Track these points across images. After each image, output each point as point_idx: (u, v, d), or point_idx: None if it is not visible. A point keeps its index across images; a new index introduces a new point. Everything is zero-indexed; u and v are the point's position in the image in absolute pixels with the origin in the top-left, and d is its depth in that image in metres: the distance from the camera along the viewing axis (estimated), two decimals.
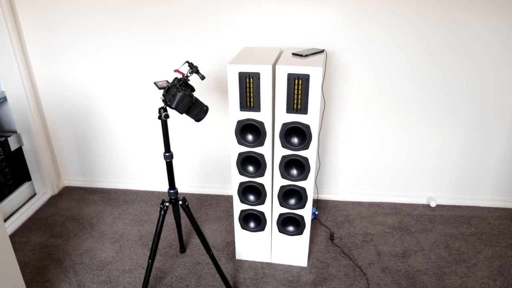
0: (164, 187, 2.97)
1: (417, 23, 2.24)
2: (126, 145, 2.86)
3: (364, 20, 2.25)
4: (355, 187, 2.76)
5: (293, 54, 1.93)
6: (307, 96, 1.77)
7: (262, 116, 1.85)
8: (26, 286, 2.12)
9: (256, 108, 1.84)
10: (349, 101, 2.49)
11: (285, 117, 1.84)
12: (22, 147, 2.84)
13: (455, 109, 2.44)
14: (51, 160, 2.94)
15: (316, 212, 2.56)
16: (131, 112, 2.74)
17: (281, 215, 2.09)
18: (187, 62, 1.66)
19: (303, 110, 1.80)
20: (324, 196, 2.82)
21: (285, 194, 2.04)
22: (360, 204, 2.77)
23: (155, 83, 1.72)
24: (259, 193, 2.07)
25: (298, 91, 1.77)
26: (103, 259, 2.32)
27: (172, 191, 1.86)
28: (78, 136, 2.88)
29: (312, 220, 2.59)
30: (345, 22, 2.26)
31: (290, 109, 1.81)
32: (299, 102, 1.79)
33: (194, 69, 1.66)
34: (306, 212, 2.05)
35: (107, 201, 2.88)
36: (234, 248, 2.37)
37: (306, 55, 1.89)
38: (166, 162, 1.80)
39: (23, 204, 2.85)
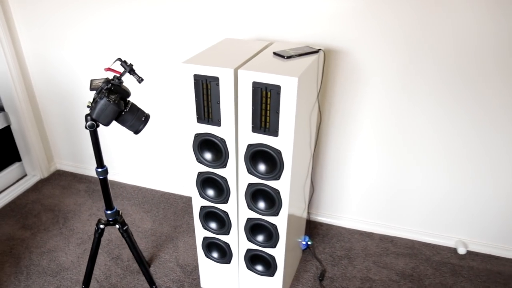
0: (153, 184, 2.68)
1: (469, 24, 1.66)
2: (119, 133, 2.59)
3: (385, 13, 1.71)
4: (366, 214, 2.27)
5: (274, 53, 1.48)
6: (277, 113, 1.33)
7: (224, 132, 1.45)
8: None
9: (216, 121, 1.44)
10: (359, 114, 1.98)
11: (250, 137, 1.41)
12: (11, 126, 2.68)
13: (502, 138, 1.84)
14: (41, 142, 2.76)
15: (309, 242, 2.13)
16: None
17: (249, 250, 1.70)
18: (119, 60, 1.29)
19: (273, 131, 1.37)
20: (327, 219, 2.36)
21: (253, 228, 1.63)
22: (370, 235, 2.28)
23: (91, 81, 1.37)
24: (222, 221, 1.68)
25: (266, 106, 1.33)
26: (61, 263, 2.09)
27: (108, 211, 1.54)
28: (70, 118, 2.66)
29: (303, 250, 2.16)
30: (360, 13, 1.74)
31: (257, 127, 1.39)
32: (267, 120, 1.36)
33: (127, 68, 1.29)
34: (279, 253, 1.64)
35: (91, 193, 2.66)
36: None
37: (289, 56, 1.43)
38: (100, 179, 1.47)
39: (12, 184, 2.72)
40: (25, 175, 2.84)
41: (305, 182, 1.79)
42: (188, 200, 2.59)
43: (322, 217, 2.37)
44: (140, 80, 1.31)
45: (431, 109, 1.87)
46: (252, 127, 1.39)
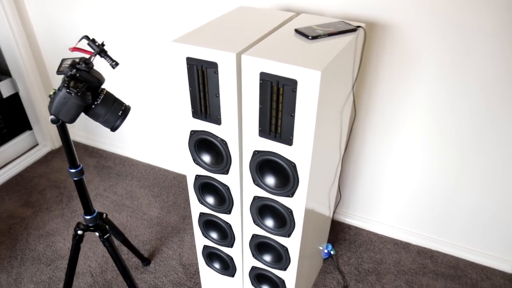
0: (167, 164, 2.44)
1: None
2: (133, 102, 2.33)
3: None
4: (404, 220, 1.92)
5: (296, 31, 1.11)
6: (292, 116, 0.99)
7: (225, 132, 1.13)
8: None
9: (215, 118, 1.12)
10: (405, 107, 1.59)
11: (257, 141, 1.09)
12: (19, 93, 2.49)
13: None
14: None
15: (332, 252, 1.82)
16: (143, 67, 2.17)
17: (254, 268, 1.42)
18: (86, 38, 0.98)
19: (286, 138, 1.03)
20: (357, 222, 2.03)
21: (259, 246, 1.34)
22: (405, 247, 1.94)
23: (62, 61, 1.08)
24: (224, 233, 1.40)
25: (277, 106, 1.00)
26: (57, 250, 1.92)
27: (87, 216, 1.29)
28: None
29: (325, 260, 1.87)
30: None
31: (265, 132, 1.06)
32: (278, 124, 1.02)
33: (95, 49, 0.98)
34: (289, 277, 1.35)
35: (100, 169, 2.46)
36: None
37: (315, 36, 1.06)
38: (74, 181, 1.21)
39: (24, 153, 2.57)
40: (37, 144, 2.68)
41: (330, 189, 1.46)
42: None
43: (352, 219, 2.04)
44: (114, 64, 1.00)
45: (498, 111, 1.45)
46: (259, 131, 1.06)
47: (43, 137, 2.62)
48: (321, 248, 1.73)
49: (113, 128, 1.07)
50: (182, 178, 2.39)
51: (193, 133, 1.19)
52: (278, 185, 1.14)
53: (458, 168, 1.65)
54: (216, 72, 1.03)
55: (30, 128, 2.64)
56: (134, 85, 2.21)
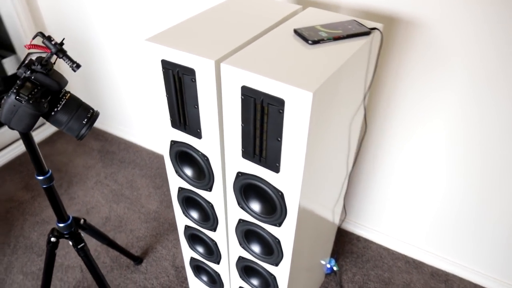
0: None
1: None
2: (136, 86, 2.21)
3: None
4: (419, 236, 1.73)
5: (296, 32, 0.92)
6: (280, 140, 0.82)
7: (206, 146, 0.97)
8: None
9: (194, 131, 0.96)
10: (428, 116, 1.37)
11: (241, 163, 0.93)
12: None
13: None
14: None
15: (335, 268, 1.66)
16: (133, 40, 2.02)
17: None
18: (41, 35, 0.83)
19: (271, 164, 0.87)
20: (367, 233, 1.86)
21: (246, 270, 1.20)
22: (418, 266, 1.76)
23: (27, 54, 0.94)
24: (210, 250, 1.27)
25: (262, 126, 0.83)
26: None
27: (61, 224, 1.18)
28: (88, 68, 2.31)
29: (327, 275, 1.72)
30: None
31: (248, 154, 0.89)
32: (264, 147, 0.86)
33: (52, 49, 0.83)
34: None
35: (104, 154, 2.37)
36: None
37: (316, 41, 0.87)
38: (44, 189, 1.10)
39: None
40: (43, 124, 2.62)
41: (333, 207, 1.29)
42: None
43: (361, 230, 1.87)
44: (74, 66, 0.85)
45: None
46: (243, 152, 0.90)
47: None
48: (323, 262, 1.57)
49: (79, 137, 0.93)
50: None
51: (173, 143, 1.04)
52: (264, 212, 0.98)
53: (484, 187, 1.44)
54: (193, 80, 0.86)
55: None
56: (141, 69, 2.07)
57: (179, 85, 0.90)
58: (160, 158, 2.35)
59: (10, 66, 2.32)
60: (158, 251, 1.82)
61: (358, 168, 1.67)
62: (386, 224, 1.79)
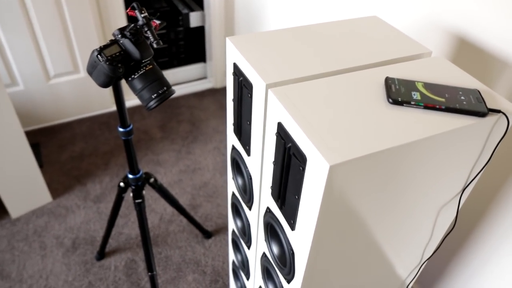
0: None
1: None
2: None
3: None
4: None
5: (386, 80, 0.73)
6: (297, 198, 0.69)
7: (252, 165, 0.90)
8: None
9: (245, 146, 0.90)
10: None
11: (270, 200, 0.83)
12: (205, 27, 2.66)
13: None
14: (224, 51, 2.67)
15: None
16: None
17: None
18: (135, 4, 0.86)
19: (289, 217, 0.74)
20: None
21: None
22: None
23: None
24: (246, 268, 1.21)
25: (287, 175, 0.71)
26: (72, 226, 1.89)
27: (130, 176, 1.29)
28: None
29: None
30: None
31: (274, 195, 0.78)
32: (284, 195, 0.74)
33: (140, 20, 0.85)
34: None
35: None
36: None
37: (399, 101, 0.68)
38: (123, 140, 1.20)
39: (190, 81, 2.83)
40: (204, 77, 2.89)
41: None
42: None
43: None
44: (155, 42, 0.87)
45: None
46: (271, 191, 0.79)
47: (211, 73, 2.78)
48: None
49: (147, 107, 0.97)
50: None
51: (233, 148, 1.00)
52: (279, 260, 0.86)
53: None
54: (250, 96, 0.79)
55: (204, 61, 2.84)
56: None
57: (241, 95, 0.83)
58: None
59: (195, 20, 2.59)
60: (229, 235, 1.85)
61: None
62: None
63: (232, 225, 1.24)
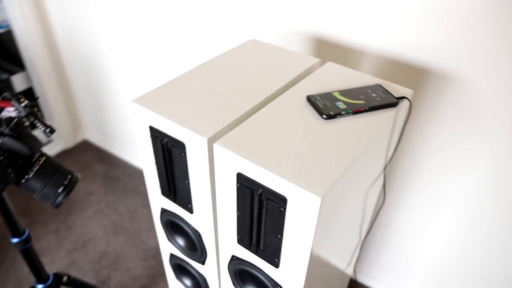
0: None
1: None
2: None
3: None
4: None
5: (309, 100, 0.78)
6: (280, 238, 0.68)
7: (198, 221, 0.84)
8: None
9: (185, 205, 0.84)
10: (461, 188, 1.21)
11: (236, 248, 0.80)
12: (33, 88, 2.33)
13: None
14: (66, 108, 2.40)
15: None
16: (155, 71, 1.92)
17: None
18: (7, 94, 0.72)
19: (270, 258, 0.73)
20: (379, 285, 1.70)
21: None
22: None
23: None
24: None
25: (260, 219, 0.69)
26: None
27: (39, 286, 1.07)
28: (96, 87, 2.22)
29: None
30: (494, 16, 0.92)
31: (245, 242, 0.76)
32: (261, 240, 0.72)
33: (21, 112, 0.72)
34: None
35: (107, 179, 2.28)
36: None
37: (332, 115, 0.73)
38: (20, 251, 0.99)
39: None
40: (50, 141, 2.54)
41: (341, 277, 1.14)
42: None
43: (373, 281, 1.71)
44: (48, 131, 0.74)
45: None
46: (238, 239, 0.76)
47: (57, 134, 2.47)
48: None
49: (55, 205, 0.82)
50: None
51: (163, 211, 0.92)
52: None
53: (504, 250, 1.27)
54: (183, 155, 0.74)
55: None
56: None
57: (169, 156, 0.77)
58: None
59: (20, 82, 2.26)
60: None
61: (372, 234, 1.51)
62: (399, 279, 1.62)
63: (175, 286, 1.14)
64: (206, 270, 0.95)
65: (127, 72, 1.93)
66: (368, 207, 0.98)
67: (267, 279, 0.78)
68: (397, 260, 1.56)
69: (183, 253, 0.97)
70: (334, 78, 0.87)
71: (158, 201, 0.91)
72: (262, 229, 0.69)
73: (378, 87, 0.81)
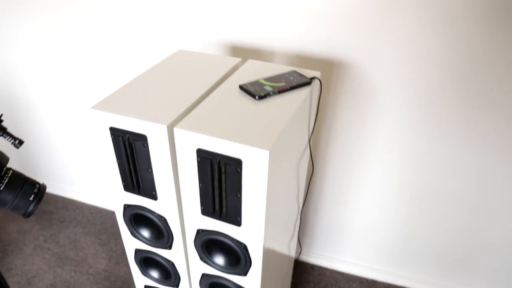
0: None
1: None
2: (72, 142, 2.10)
3: (404, 15, 1.18)
4: (369, 257, 1.82)
5: (241, 88, 0.96)
6: (239, 196, 0.84)
7: (162, 207, 0.96)
8: None
9: (149, 193, 0.95)
10: (367, 145, 1.48)
11: (201, 220, 0.93)
12: None
13: None
14: None
15: None
16: (73, 101, 1.94)
17: None
18: None
19: (232, 218, 0.88)
20: (320, 261, 1.92)
21: None
22: (372, 284, 1.84)
23: None
24: None
25: (220, 185, 0.84)
26: None
27: None
28: (18, 125, 2.16)
29: None
30: (374, 13, 1.20)
31: (208, 211, 0.90)
32: (223, 204, 0.87)
33: None
34: None
35: (41, 215, 2.21)
36: None
37: (262, 96, 0.92)
38: None
39: None
40: None
41: (289, 243, 1.33)
42: None
43: (315, 258, 1.93)
44: (17, 144, 0.82)
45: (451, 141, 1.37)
46: (202, 210, 0.90)
47: None
48: None
49: (26, 214, 0.88)
50: None
51: (126, 207, 1.02)
52: (228, 264, 0.99)
53: (417, 207, 1.57)
54: (145, 145, 0.86)
55: None
56: (78, 124, 1.99)
57: (130, 150, 0.89)
58: (103, 212, 2.24)
59: None
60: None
61: (308, 204, 1.73)
62: (336, 250, 1.86)
63: (142, 281, 1.23)
64: (173, 254, 1.06)
65: (52, 102, 1.94)
66: (301, 175, 1.18)
67: (232, 241, 0.92)
68: (332, 231, 1.79)
69: (149, 244, 1.07)
70: (257, 70, 1.06)
71: (120, 199, 1.01)
72: (223, 193, 0.85)
73: (293, 72, 1.02)
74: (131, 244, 1.11)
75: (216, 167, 0.81)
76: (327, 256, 1.90)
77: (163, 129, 0.82)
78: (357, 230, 1.76)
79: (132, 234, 1.08)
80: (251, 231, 0.88)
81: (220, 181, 0.83)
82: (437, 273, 1.75)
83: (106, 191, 2.19)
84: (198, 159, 0.82)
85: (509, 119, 1.26)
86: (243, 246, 0.92)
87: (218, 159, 0.80)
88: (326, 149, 1.53)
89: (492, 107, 1.26)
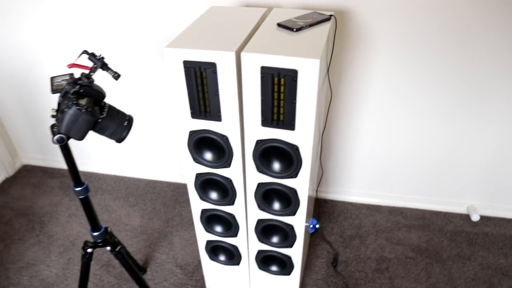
0: (136, 173, 2.42)
1: None
2: None
3: None
4: (372, 186, 2.12)
5: (280, 25, 1.20)
6: (294, 103, 1.08)
7: (225, 127, 1.20)
8: None
9: (215, 115, 1.18)
10: (370, 82, 1.76)
11: (260, 131, 1.17)
12: None
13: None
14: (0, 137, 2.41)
15: (317, 226, 1.96)
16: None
17: (260, 252, 1.51)
18: (86, 52, 0.99)
19: (288, 124, 1.13)
20: (332, 195, 2.20)
21: (265, 230, 1.43)
22: (377, 209, 2.14)
23: (51, 79, 1.07)
24: (228, 224, 1.47)
25: (279, 96, 1.08)
26: (45, 279, 1.85)
27: (95, 233, 1.29)
28: (31, 107, 2.30)
29: (312, 234, 2.01)
30: None
31: (268, 121, 1.14)
32: (281, 112, 1.11)
33: (97, 63, 0.99)
34: (295, 253, 1.46)
35: (67, 189, 2.37)
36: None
37: (298, 28, 1.16)
38: (80, 199, 1.21)
39: None
40: None
41: (317, 166, 1.58)
42: (177, 187, 2.36)
43: (327, 194, 2.21)
44: (116, 76, 1.02)
45: (440, 69, 1.67)
46: (262, 121, 1.14)
47: None
48: (307, 224, 1.86)
49: (120, 140, 1.08)
50: (154, 184, 2.39)
51: (192, 133, 1.24)
52: (282, 169, 1.23)
53: (415, 134, 1.87)
54: (215, 72, 1.09)
55: None
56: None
57: (201, 79, 1.11)
58: (125, 180, 2.43)
59: None
60: (157, 258, 1.93)
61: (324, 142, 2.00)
62: (344, 184, 2.14)
63: (198, 208, 1.45)
64: (232, 171, 1.29)
65: None
66: (323, 98, 1.44)
67: (286, 145, 1.16)
68: (342, 167, 2.07)
69: (210, 165, 1.30)
70: (284, 14, 1.30)
71: (187, 126, 1.23)
72: (281, 102, 1.09)
73: (314, 13, 1.27)
74: (192, 169, 1.33)
75: (276, 80, 1.05)
76: (338, 190, 2.19)
77: (231, 55, 1.05)
78: (362, 163, 2.04)
79: (195, 159, 1.30)
80: (303, 134, 1.13)
81: (279, 91, 1.07)
82: (429, 191, 2.07)
83: (124, 159, 2.37)
84: (262, 75, 1.05)
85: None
86: (295, 147, 1.17)
87: (278, 72, 1.04)
88: (340, 81, 1.80)
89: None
